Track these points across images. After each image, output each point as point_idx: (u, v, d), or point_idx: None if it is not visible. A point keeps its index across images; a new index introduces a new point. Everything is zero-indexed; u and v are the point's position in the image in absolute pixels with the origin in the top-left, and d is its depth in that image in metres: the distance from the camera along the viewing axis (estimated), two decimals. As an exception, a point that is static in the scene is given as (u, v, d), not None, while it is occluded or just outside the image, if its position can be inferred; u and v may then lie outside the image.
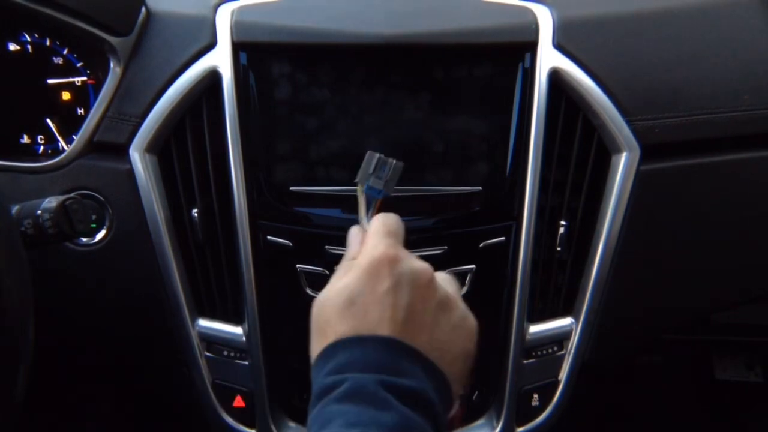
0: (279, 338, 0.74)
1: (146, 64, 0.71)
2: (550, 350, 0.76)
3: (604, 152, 0.72)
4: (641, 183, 0.70)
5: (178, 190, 0.72)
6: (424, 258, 0.69)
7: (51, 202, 0.60)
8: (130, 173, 0.70)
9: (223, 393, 0.76)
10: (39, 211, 0.59)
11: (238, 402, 0.76)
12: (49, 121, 0.77)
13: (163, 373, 0.89)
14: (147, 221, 0.70)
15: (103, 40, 0.69)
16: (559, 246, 0.73)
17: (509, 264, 0.72)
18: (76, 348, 0.88)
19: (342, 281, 0.45)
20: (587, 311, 0.74)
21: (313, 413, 0.40)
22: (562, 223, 0.72)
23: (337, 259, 0.68)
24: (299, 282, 0.71)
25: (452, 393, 0.43)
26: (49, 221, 0.59)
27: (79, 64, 0.75)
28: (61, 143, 0.77)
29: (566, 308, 0.76)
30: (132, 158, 0.70)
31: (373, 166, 0.52)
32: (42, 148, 0.77)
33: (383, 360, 0.40)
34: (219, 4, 0.72)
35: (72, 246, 0.72)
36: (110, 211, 0.72)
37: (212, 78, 0.69)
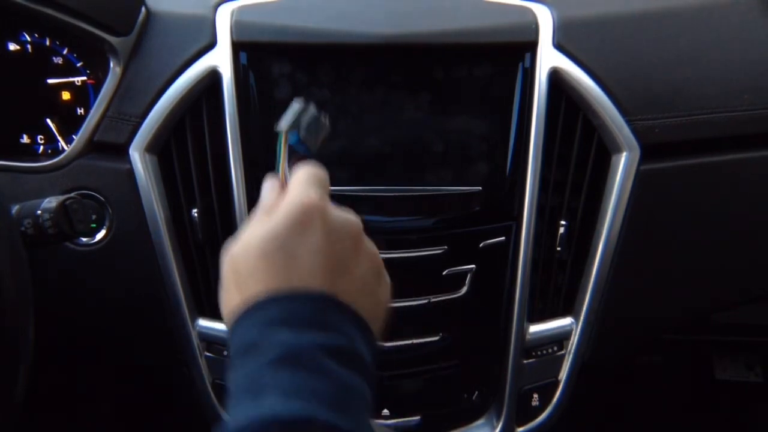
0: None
1: (146, 64, 0.71)
2: (550, 350, 0.76)
3: (604, 152, 0.72)
4: (641, 183, 0.70)
5: (178, 190, 0.72)
6: (424, 258, 0.70)
7: (51, 202, 0.60)
8: (130, 173, 0.70)
9: (223, 393, 0.76)
10: (39, 211, 0.59)
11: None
12: (49, 121, 0.77)
13: (163, 373, 0.89)
14: (147, 221, 0.70)
15: (103, 40, 0.69)
16: (559, 246, 0.73)
17: (509, 264, 0.72)
18: (76, 348, 0.88)
19: (264, 228, 0.40)
20: (587, 311, 0.74)
21: (239, 373, 0.36)
22: (562, 223, 0.72)
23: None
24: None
25: (377, 350, 0.40)
26: (49, 221, 0.59)
27: (79, 64, 0.75)
28: (61, 143, 0.77)
29: (566, 308, 0.76)
30: (132, 158, 0.70)
31: (299, 115, 0.48)
32: (42, 148, 0.77)
33: (319, 318, 0.37)
34: (219, 4, 0.72)
35: (72, 246, 0.72)
36: (110, 211, 0.72)
37: (212, 78, 0.69)
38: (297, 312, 0.36)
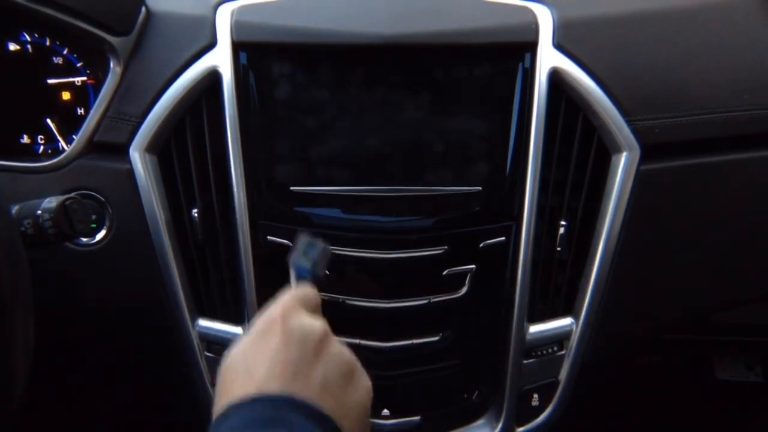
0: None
1: (146, 64, 0.71)
2: (550, 350, 0.76)
3: (604, 152, 0.72)
4: (641, 183, 0.70)
5: (178, 190, 0.72)
6: (424, 258, 0.70)
7: (51, 202, 0.60)
8: (130, 173, 0.70)
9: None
10: (39, 211, 0.59)
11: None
12: (49, 121, 0.77)
13: (163, 373, 0.89)
14: (147, 221, 0.70)
15: (103, 40, 0.69)
16: (559, 246, 0.73)
17: (509, 264, 0.72)
18: (76, 348, 0.88)
19: (239, 343, 0.45)
20: (587, 311, 0.74)
21: None
22: (562, 223, 0.72)
23: (338, 259, 0.69)
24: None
25: None
26: (49, 221, 0.59)
27: (79, 64, 0.75)
28: (61, 143, 0.77)
29: (566, 308, 0.76)
30: (132, 158, 0.70)
31: (303, 248, 0.54)
32: (42, 148, 0.77)
33: (274, 416, 0.39)
34: (219, 4, 0.72)
35: (72, 246, 0.72)
36: (110, 211, 0.72)
37: (212, 78, 0.69)
38: (254, 415, 0.39)
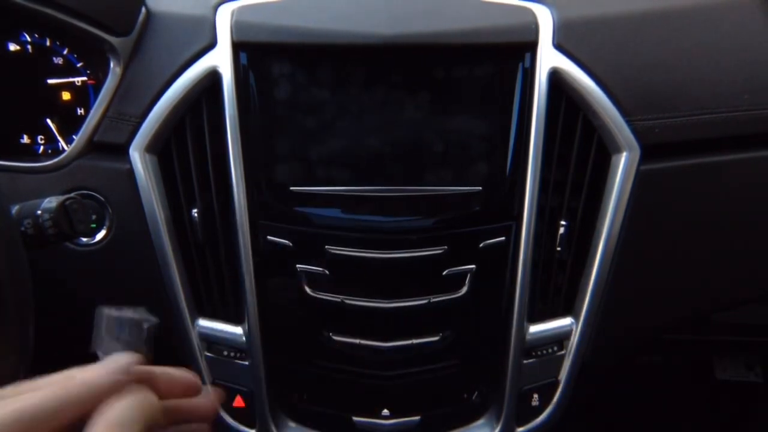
0: (279, 338, 0.74)
1: (146, 64, 0.71)
2: (550, 350, 0.76)
3: (604, 152, 0.72)
4: (641, 183, 0.70)
5: (178, 190, 0.72)
6: (424, 258, 0.70)
7: (51, 202, 0.60)
8: (130, 173, 0.70)
9: (223, 393, 0.76)
10: (39, 211, 0.59)
11: (238, 402, 0.76)
12: (49, 121, 0.77)
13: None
14: (147, 221, 0.71)
15: (104, 40, 0.69)
16: (559, 246, 0.73)
17: (509, 264, 0.72)
18: (76, 348, 0.88)
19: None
20: (587, 311, 0.74)
21: None
22: (562, 223, 0.72)
23: (337, 259, 0.69)
24: (299, 282, 0.71)
25: None
26: (49, 221, 0.59)
27: (79, 64, 0.75)
28: (61, 143, 0.77)
29: (566, 308, 0.76)
30: (132, 158, 0.70)
31: (103, 326, 0.41)
32: (42, 148, 0.77)
33: None
34: (219, 4, 0.72)
35: (72, 246, 0.72)
36: (110, 211, 0.72)
37: (212, 78, 0.69)
38: None
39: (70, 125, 0.76)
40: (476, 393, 0.79)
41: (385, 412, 0.76)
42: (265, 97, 0.69)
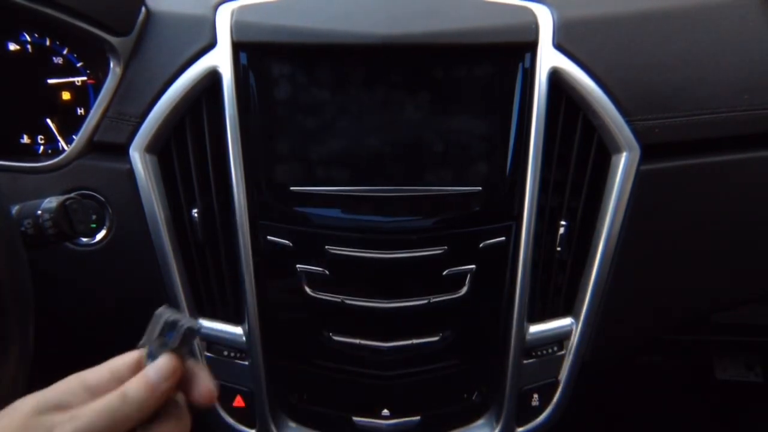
0: (279, 338, 0.74)
1: (146, 64, 0.71)
2: (550, 350, 0.76)
3: (604, 152, 0.72)
4: (641, 183, 0.70)
5: (178, 190, 0.72)
6: (424, 258, 0.70)
7: (51, 202, 0.60)
8: (130, 173, 0.70)
9: (223, 393, 0.76)
10: (39, 211, 0.59)
11: (238, 402, 0.76)
12: (49, 121, 0.77)
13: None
14: (147, 221, 0.71)
15: (103, 40, 0.69)
16: (559, 246, 0.73)
17: (509, 264, 0.72)
18: (76, 348, 0.88)
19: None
20: (587, 311, 0.74)
21: None
22: (562, 223, 0.72)
23: (337, 259, 0.69)
24: (299, 282, 0.71)
25: None
26: (49, 221, 0.59)
27: (79, 64, 0.75)
28: (61, 143, 0.77)
29: (566, 308, 0.76)
30: (132, 158, 0.70)
31: (159, 328, 0.44)
32: (42, 148, 0.77)
33: None
34: (219, 4, 0.72)
35: (72, 246, 0.72)
36: (110, 211, 0.72)
37: (212, 78, 0.69)
38: None
39: (70, 125, 0.76)
40: (476, 393, 0.79)
41: (385, 412, 0.76)
42: (265, 97, 0.69)
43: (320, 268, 0.70)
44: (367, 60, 0.69)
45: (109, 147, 0.71)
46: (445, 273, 0.70)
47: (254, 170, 0.70)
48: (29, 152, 0.77)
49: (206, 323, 0.75)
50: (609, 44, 0.71)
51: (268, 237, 0.71)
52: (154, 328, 0.44)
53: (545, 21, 0.70)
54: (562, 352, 0.76)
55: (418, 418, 0.76)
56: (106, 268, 0.73)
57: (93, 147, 0.72)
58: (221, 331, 0.74)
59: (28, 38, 0.75)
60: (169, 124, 0.70)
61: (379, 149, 0.70)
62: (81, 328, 0.80)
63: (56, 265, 0.73)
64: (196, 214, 0.71)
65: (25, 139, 0.77)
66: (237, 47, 0.69)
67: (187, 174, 0.71)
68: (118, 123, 0.70)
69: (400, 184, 0.70)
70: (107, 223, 0.72)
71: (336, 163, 0.70)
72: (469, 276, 0.71)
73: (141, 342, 0.45)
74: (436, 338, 0.73)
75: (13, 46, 0.75)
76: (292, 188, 0.70)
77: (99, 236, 0.72)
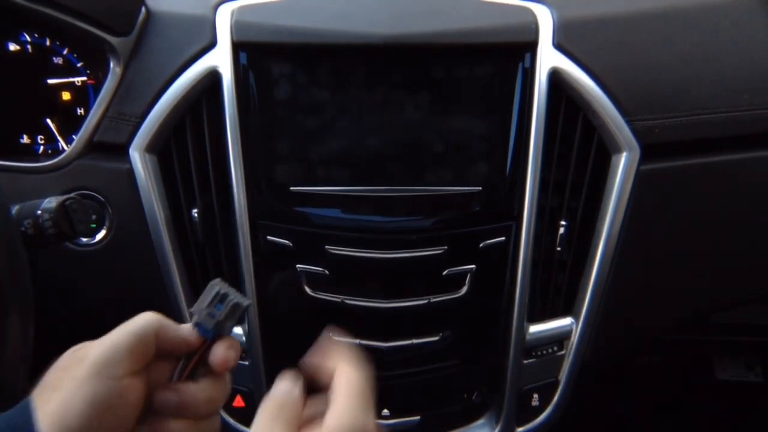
0: (279, 338, 0.74)
1: (146, 64, 0.71)
2: (550, 350, 0.76)
3: (604, 152, 0.72)
4: (641, 183, 0.70)
5: (178, 190, 0.72)
6: (424, 258, 0.70)
7: (51, 202, 0.60)
8: (130, 173, 0.70)
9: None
10: (39, 211, 0.59)
11: (238, 402, 0.76)
12: (49, 121, 0.77)
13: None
14: (147, 221, 0.70)
15: (104, 40, 0.69)
16: (559, 246, 0.73)
17: (509, 264, 0.72)
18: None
19: None
20: (587, 311, 0.74)
21: None
22: (562, 223, 0.72)
23: (337, 259, 0.69)
24: (299, 282, 0.71)
25: None
26: (49, 221, 0.59)
27: (79, 64, 0.75)
28: (61, 143, 0.77)
29: (566, 308, 0.76)
30: (132, 158, 0.70)
31: (210, 298, 0.46)
32: (42, 148, 0.77)
33: None
34: (219, 4, 0.72)
35: (72, 246, 0.72)
36: (110, 211, 0.72)
37: (212, 78, 0.69)
38: None
39: (70, 125, 0.76)
40: (476, 393, 0.79)
41: (385, 412, 0.76)
42: (265, 97, 0.69)
43: (320, 268, 0.70)
44: (368, 60, 0.69)
45: (109, 147, 0.71)
46: (445, 273, 0.70)
47: (254, 170, 0.70)
48: (29, 152, 0.77)
49: (206, 323, 0.74)
50: (609, 44, 0.71)
51: (268, 237, 0.71)
52: (206, 298, 0.46)
53: (545, 21, 0.70)
54: (562, 352, 0.76)
55: (418, 418, 0.76)
56: (106, 268, 0.73)
57: (93, 147, 0.72)
58: (221, 331, 0.74)
59: (28, 38, 0.75)
60: (169, 124, 0.70)
61: (379, 149, 0.70)
62: (81, 328, 0.80)
63: (56, 265, 0.72)
64: (196, 214, 0.71)
65: (25, 139, 0.77)
66: (237, 47, 0.69)
67: (187, 174, 0.71)
68: (118, 123, 0.70)
69: (400, 184, 0.70)
70: (107, 223, 0.72)
71: (336, 163, 0.70)
72: (469, 276, 0.71)
73: (192, 308, 0.46)
74: (436, 338, 0.73)
75: (13, 46, 0.75)
76: (292, 188, 0.70)
77: (99, 236, 0.72)
